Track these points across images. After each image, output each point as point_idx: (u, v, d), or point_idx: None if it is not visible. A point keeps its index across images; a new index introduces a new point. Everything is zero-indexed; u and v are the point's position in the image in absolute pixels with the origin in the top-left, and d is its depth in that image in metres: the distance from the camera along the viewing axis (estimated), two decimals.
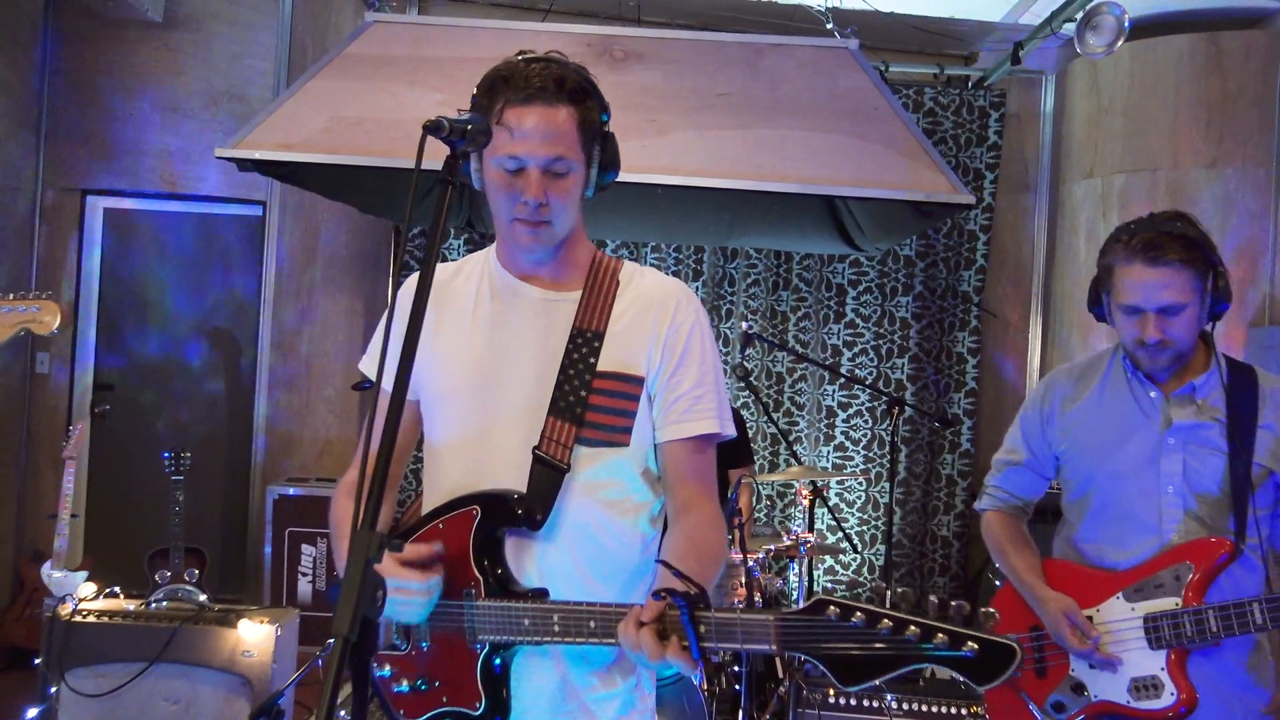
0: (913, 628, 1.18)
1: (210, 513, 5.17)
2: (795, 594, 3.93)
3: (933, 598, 1.20)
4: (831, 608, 1.22)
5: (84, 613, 3.31)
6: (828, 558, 5.27)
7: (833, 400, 5.32)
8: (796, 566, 3.90)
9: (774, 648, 1.26)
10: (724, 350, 5.23)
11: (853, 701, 3.09)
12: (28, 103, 4.90)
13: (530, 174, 1.46)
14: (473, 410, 1.55)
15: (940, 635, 1.18)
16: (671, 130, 3.84)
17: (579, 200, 1.54)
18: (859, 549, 5.26)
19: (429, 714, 1.50)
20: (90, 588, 3.46)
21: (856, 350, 5.32)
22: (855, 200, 3.87)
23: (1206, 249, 1.95)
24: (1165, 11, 4.84)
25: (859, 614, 1.21)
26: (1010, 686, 2.10)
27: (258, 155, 3.77)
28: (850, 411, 5.32)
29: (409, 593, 1.42)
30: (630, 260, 1.68)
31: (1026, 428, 2.24)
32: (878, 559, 5.29)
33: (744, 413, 5.09)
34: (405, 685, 1.52)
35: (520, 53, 1.51)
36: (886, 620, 1.20)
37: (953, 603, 1.19)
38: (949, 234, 5.30)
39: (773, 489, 5.36)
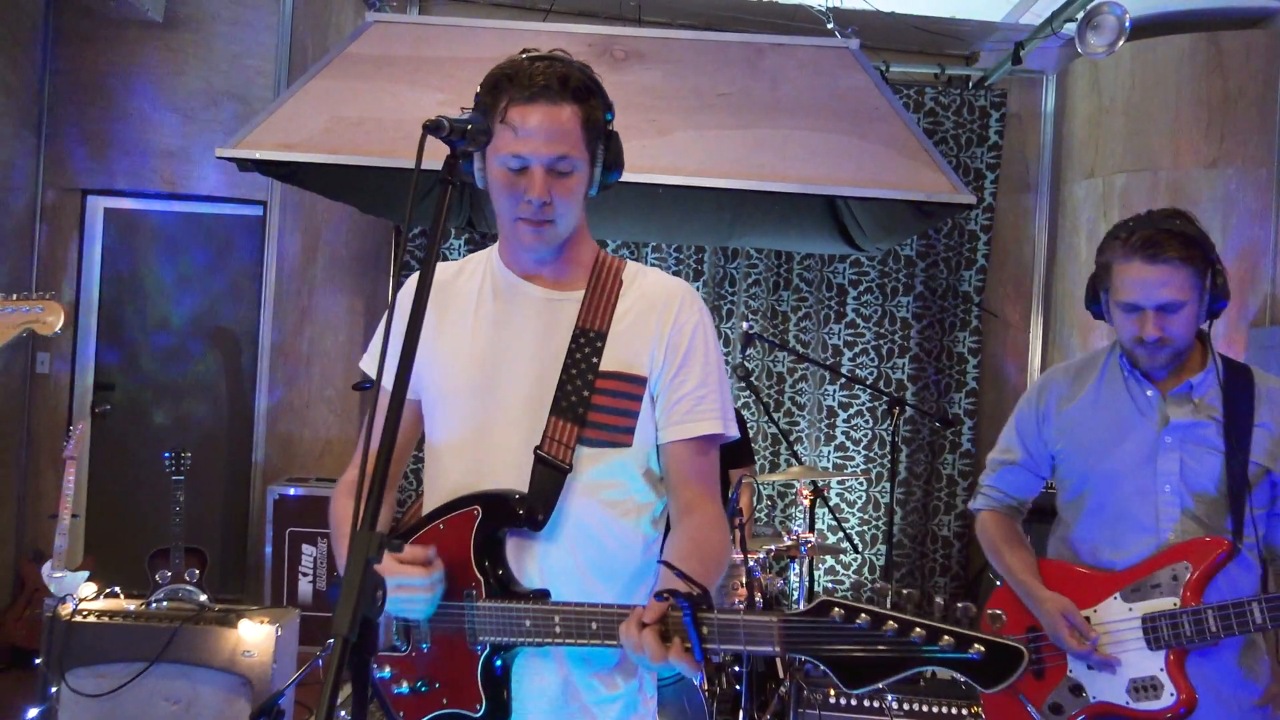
0: (918, 630, 1.17)
1: (211, 513, 5.16)
2: (796, 594, 3.92)
3: (938, 599, 1.18)
4: (836, 609, 1.21)
5: (84, 613, 3.31)
6: (828, 558, 5.27)
7: (833, 400, 5.32)
8: (797, 567, 3.90)
9: (777, 650, 1.25)
10: (725, 350, 5.22)
11: (853, 701, 3.08)
12: (28, 102, 4.89)
13: (534, 173, 1.45)
14: (474, 409, 1.54)
15: (946, 637, 1.16)
16: (672, 130, 3.84)
17: (583, 199, 1.53)
18: (860, 549, 5.26)
19: (429, 716, 1.49)
20: (91, 588, 3.46)
21: (857, 350, 5.32)
22: (856, 200, 3.86)
23: (1205, 246, 1.95)
24: (1166, 11, 4.84)
25: (864, 616, 1.19)
26: (1007, 688, 2.09)
27: (258, 155, 3.77)
28: (851, 411, 5.31)
29: (412, 589, 1.41)
30: (631, 260, 1.68)
31: (1022, 427, 2.23)
32: (878, 559, 5.29)
33: (745, 413, 5.09)
34: (405, 687, 1.52)
35: (524, 51, 1.50)
36: (892, 622, 1.18)
37: (959, 604, 1.17)
38: (950, 234, 5.29)
39: (773, 489, 5.36)
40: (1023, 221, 5.51)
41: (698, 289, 5.19)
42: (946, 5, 5.00)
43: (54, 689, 3.24)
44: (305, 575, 4.65)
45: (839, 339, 5.32)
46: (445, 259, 4.15)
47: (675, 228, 4.78)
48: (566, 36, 3.98)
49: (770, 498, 5.38)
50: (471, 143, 1.30)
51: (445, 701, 1.48)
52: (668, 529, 1.57)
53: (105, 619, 3.31)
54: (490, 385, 1.53)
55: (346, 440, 5.22)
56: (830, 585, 5.31)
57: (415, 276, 1.27)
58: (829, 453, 5.31)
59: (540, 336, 1.54)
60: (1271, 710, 1.98)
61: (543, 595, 1.45)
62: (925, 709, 3.08)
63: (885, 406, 5.13)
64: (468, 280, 1.62)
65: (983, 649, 1.15)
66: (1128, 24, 4.11)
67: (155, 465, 3.88)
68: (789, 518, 5.36)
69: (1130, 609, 1.98)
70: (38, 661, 3.29)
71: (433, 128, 1.23)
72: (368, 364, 1.72)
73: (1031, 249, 5.50)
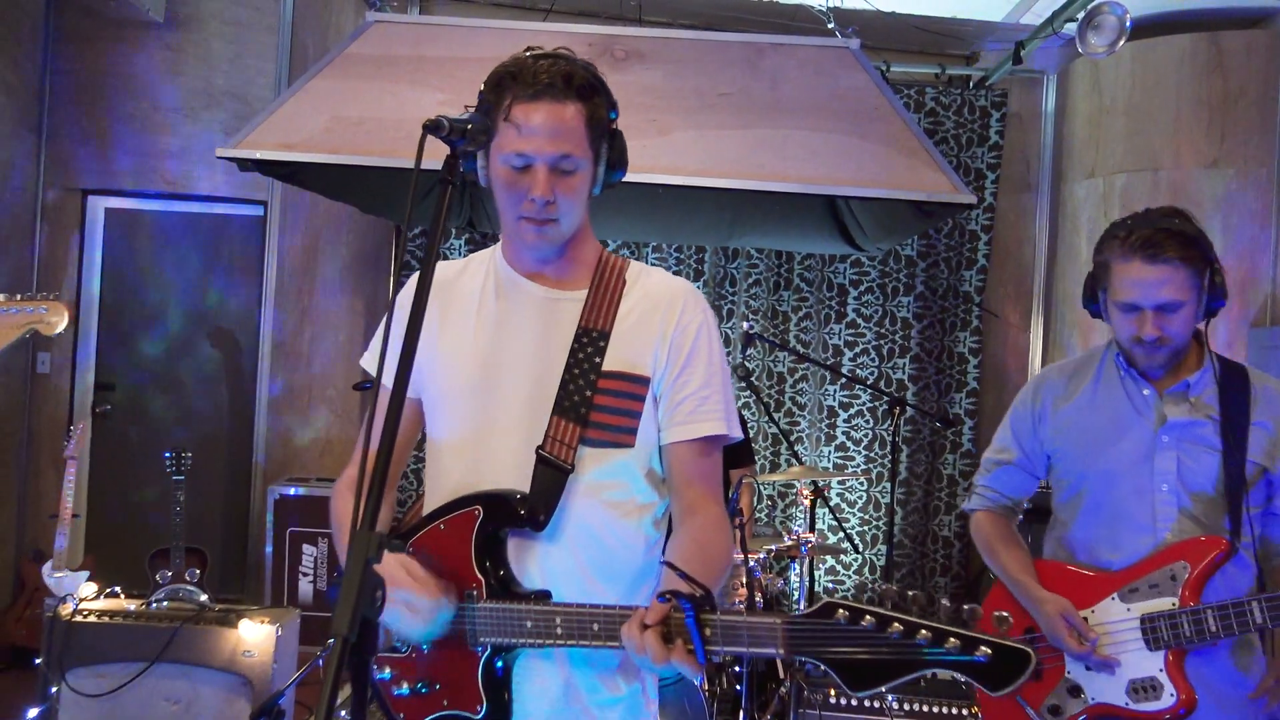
0: (924, 632, 1.15)
1: (211, 512, 5.16)
2: (796, 594, 3.92)
3: (944, 600, 1.16)
4: (840, 611, 1.19)
5: (85, 613, 3.31)
6: (829, 558, 5.27)
7: (834, 400, 5.31)
8: (798, 567, 3.90)
9: (781, 651, 1.24)
10: (725, 350, 5.22)
11: (853, 702, 3.08)
12: (28, 102, 4.89)
13: (537, 171, 1.44)
14: (475, 409, 1.53)
15: (952, 640, 1.14)
16: (672, 130, 3.83)
17: (586, 198, 1.53)
18: (860, 549, 5.26)
19: (430, 717, 1.48)
20: (91, 588, 3.46)
21: (858, 350, 5.32)
22: (856, 200, 3.86)
23: (1204, 246, 1.94)
24: (1167, 11, 4.83)
25: (869, 617, 1.17)
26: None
27: (259, 155, 3.76)
28: (851, 411, 5.31)
29: (415, 609, 1.40)
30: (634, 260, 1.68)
31: (1017, 426, 2.22)
32: (879, 559, 5.29)
33: (745, 413, 5.09)
34: (405, 688, 1.51)
35: (528, 49, 1.50)
36: (897, 624, 1.16)
37: (965, 606, 1.15)
38: (950, 234, 5.29)
39: (774, 489, 5.35)
40: (1023, 221, 5.50)
41: (698, 289, 5.19)
42: (947, 5, 5.00)
43: (54, 689, 3.24)
44: (305, 575, 4.65)
45: (839, 339, 5.32)
46: (445, 259, 4.14)
47: (676, 228, 4.78)
48: (567, 36, 3.92)
49: (770, 498, 5.37)
50: (472, 142, 1.29)
51: (446, 703, 1.48)
52: (670, 530, 1.56)
53: (105, 619, 3.31)
54: (492, 384, 1.53)
55: (347, 440, 5.21)
56: (831, 585, 5.31)
57: (416, 275, 1.26)
58: (829, 453, 5.31)
59: (542, 336, 1.53)
60: (1267, 701, 1.98)
61: (544, 596, 1.44)
62: (925, 709, 3.08)
63: (886, 406, 5.12)
64: (470, 279, 1.61)
65: (989, 651, 1.13)
66: (1128, 24, 4.11)
67: (155, 465, 3.88)
68: (789, 518, 5.36)
69: (1129, 609, 1.98)
70: (38, 661, 3.29)
71: (433, 127, 1.23)
72: (368, 362, 1.72)
73: (1032, 249, 5.49)
